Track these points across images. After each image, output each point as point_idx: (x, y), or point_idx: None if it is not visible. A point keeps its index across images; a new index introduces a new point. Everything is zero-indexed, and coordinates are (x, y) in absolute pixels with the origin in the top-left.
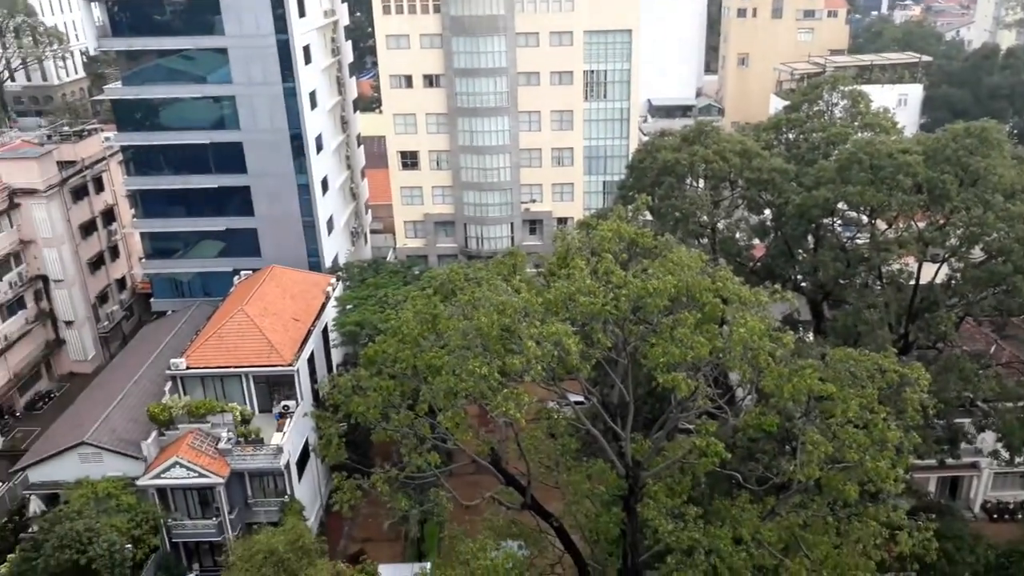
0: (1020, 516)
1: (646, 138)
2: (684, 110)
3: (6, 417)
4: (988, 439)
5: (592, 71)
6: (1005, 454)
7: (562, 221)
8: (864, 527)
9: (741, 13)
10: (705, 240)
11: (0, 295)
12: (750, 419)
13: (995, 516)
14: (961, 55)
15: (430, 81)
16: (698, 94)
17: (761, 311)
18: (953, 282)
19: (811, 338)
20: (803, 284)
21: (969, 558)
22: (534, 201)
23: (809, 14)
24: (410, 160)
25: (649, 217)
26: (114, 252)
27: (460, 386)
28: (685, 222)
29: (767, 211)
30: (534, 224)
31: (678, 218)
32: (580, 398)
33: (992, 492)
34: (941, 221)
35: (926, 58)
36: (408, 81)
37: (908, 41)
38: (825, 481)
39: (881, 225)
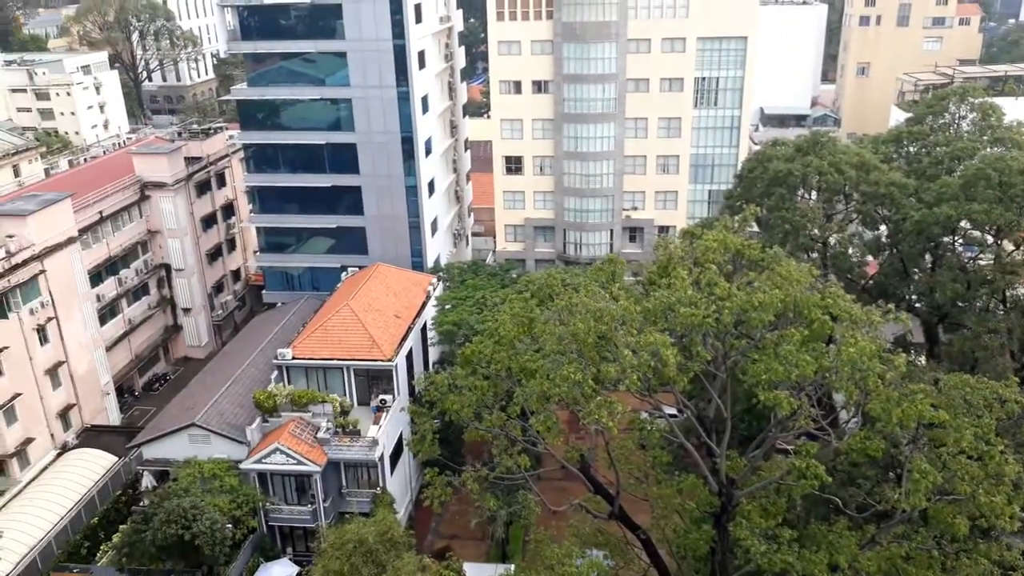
0: None
1: (757, 147)
2: (798, 119)
3: (126, 396)
4: None
5: (703, 78)
6: None
7: (663, 230)
8: (974, 564)
9: (864, 21)
10: (815, 254)
11: (128, 281)
12: (854, 443)
13: None
14: None
15: (539, 87)
16: (813, 104)
17: (872, 331)
18: None
19: (924, 362)
20: (917, 305)
21: None
22: (636, 208)
23: (938, 22)
24: (514, 165)
25: (756, 229)
26: (231, 245)
27: (553, 391)
28: (795, 235)
29: (883, 227)
30: (634, 232)
31: (787, 231)
32: (674, 411)
33: None
34: None
35: None
36: (517, 87)
37: None
38: (932, 513)
39: (1008, 246)
